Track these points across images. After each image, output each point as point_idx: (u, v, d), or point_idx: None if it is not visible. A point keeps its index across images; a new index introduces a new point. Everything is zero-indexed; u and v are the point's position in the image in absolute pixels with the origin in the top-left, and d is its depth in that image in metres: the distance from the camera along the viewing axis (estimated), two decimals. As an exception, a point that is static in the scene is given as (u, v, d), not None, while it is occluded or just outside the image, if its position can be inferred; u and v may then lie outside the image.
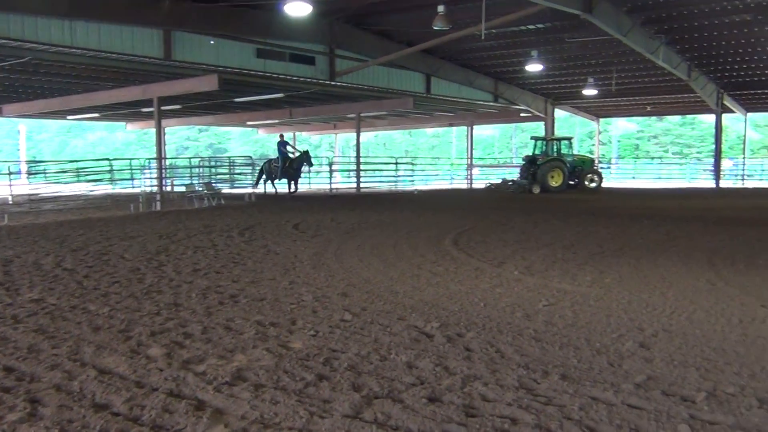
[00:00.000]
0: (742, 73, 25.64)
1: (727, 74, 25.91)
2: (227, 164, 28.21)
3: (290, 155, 22.45)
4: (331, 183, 28.21)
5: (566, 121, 43.89)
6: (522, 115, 32.52)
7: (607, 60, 23.97)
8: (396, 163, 32.91)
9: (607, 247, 9.61)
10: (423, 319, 5.28)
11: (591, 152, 37.13)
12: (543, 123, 31.99)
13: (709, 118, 31.44)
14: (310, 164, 22.74)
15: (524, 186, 25.45)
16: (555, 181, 25.17)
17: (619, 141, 51.66)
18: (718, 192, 25.95)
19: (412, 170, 33.70)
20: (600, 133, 39.92)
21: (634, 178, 36.13)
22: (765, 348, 4.49)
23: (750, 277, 7.12)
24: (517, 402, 3.51)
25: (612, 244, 9.95)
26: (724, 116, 29.72)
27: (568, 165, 25.69)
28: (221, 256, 8.81)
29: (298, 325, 5.14)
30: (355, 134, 27.56)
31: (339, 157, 41.71)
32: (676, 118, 49.62)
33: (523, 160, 26.85)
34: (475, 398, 3.57)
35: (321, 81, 20.80)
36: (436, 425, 3.22)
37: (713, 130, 29.56)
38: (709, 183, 30.17)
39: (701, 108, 29.58)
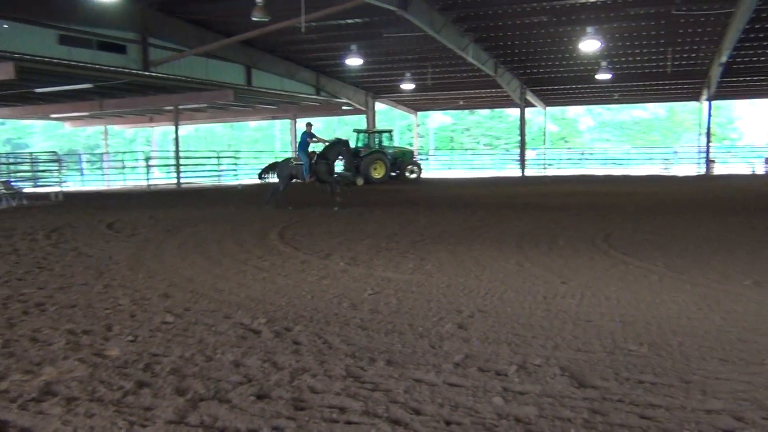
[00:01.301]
0: (542, 71, 27.96)
1: (528, 71, 28.13)
2: (29, 161, 25.79)
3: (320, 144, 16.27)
4: (148, 179, 26.83)
5: (386, 114, 45.27)
6: (344, 108, 33.04)
7: (422, 56, 25.03)
8: (218, 158, 32.03)
9: (428, 234, 10.05)
10: (250, 316, 5.19)
11: (410, 144, 38.61)
12: (365, 116, 32.73)
13: (515, 112, 33.93)
14: (350, 157, 16.90)
15: (348, 178, 25.88)
16: (378, 172, 25.88)
17: (435, 133, 54.22)
18: (523, 180, 28.12)
19: (236, 164, 32.99)
20: (418, 126, 41.64)
21: (450, 168, 38.14)
22: (566, 321, 4.94)
23: (552, 258, 7.80)
24: (345, 391, 3.56)
25: (432, 231, 10.43)
26: (527, 110, 32.31)
27: (389, 157, 26.50)
28: (24, 262, 8.05)
29: (114, 332, 4.83)
30: (173, 127, 26.39)
31: (156, 151, 39.72)
32: (486, 112, 53.10)
33: (347, 152, 27.26)
34: (304, 391, 3.57)
35: (133, 71, 19.69)
36: (265, 422, 3.18)
37: (518, 123, 32.02)
38: (516, 172, 32.63)
39: (507, 102, 31.89)
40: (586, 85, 29.25)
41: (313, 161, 15.21)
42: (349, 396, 3.50)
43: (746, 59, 23.99)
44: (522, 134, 31.67)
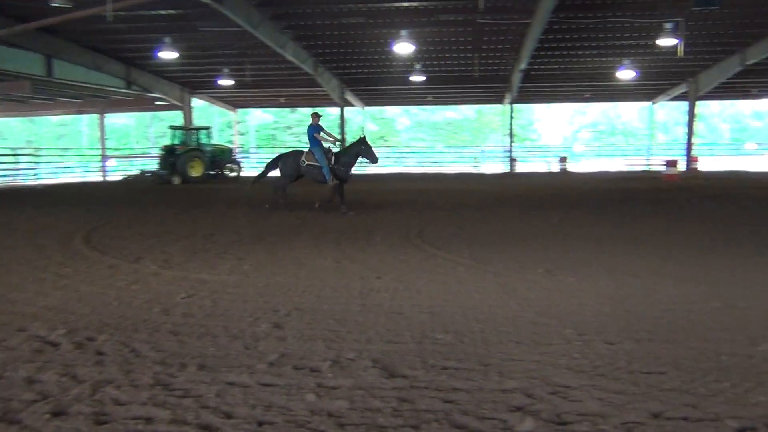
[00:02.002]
0: (360, 71, 28.58)
1: (347, 71, 28.62)
2: None
3: (334, 145, 13.70)
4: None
5: (205, 111, 43.86)
6: (158, 103, 31.53)
7: (241, 51, 24.54)
8: (15, 155, 29.13)
9: (246, 234, 9.90)
10: (47, 327, 4.79)
11: (230, 142, 37.76)
12: (181, 112, 31.48)
13: (336, 111, 34.39)
14: (373, 158, 13.28)
15: (164, 177, 24.78)
16: (195, 171, 25.04)
17: (257, 131, 53.50)
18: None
19: (36, 163, 30.21)
20: (238, 123, 40.82)
21: (272, 166, 37.75)
22: (379, 314, 5.11)
23: (369, 254, 8.02)
24: (152, 400, 3.41)
25: (251, 231, 10.28)
26: (348, 109, 32.91)
27: (207, 155, 25.73)
28: None
29: None
30: (-42, 121, 23.62)
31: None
32: (307, 110, 53.25)
33: (162, 150, 26.11)
34: (106, 404, 3.37)
35: None
36: (61, 440, 2.96)
37: (339, 122, 32.51)
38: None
39: (328, 101, 32.23)
40: (401, 87, 30.36)
41: (331, 164, 12.97)
42: (156, 405, 3.35)
43: (542, 67, 26.25)
44: (342, 133, 32.21)
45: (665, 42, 19.33)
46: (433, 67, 26.95)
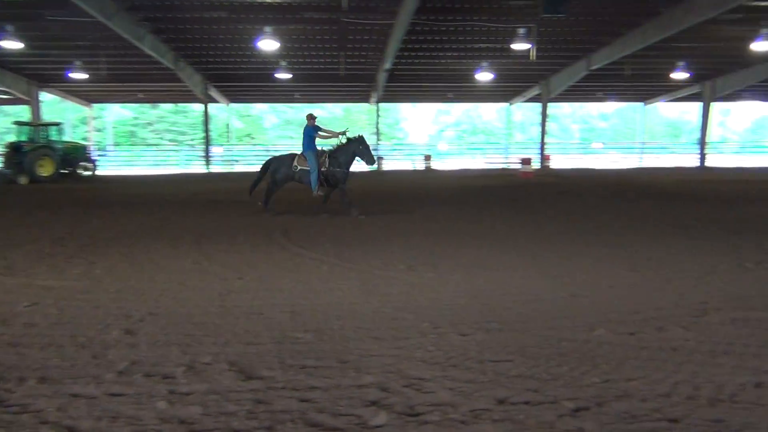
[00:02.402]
0: (224, 67, 27.90)
1: (211, 66, 27.84)
2: None
3: (338, 138, 12.63)
4: None
5: (56, 106, 41.06)
6: (1, 97, 29.12)
7: (94, 43, 23.23)
8: None
9: (100, 237, 9.38)
10: None
11: (85, 139, 35.62)
12: (28, 107, 29.30)
13: (199, 107, 33.37)
14: (370, 159, 12.48)
15: (9, 176, 22.96)
16: (45, 170, 23.40)
17: (114, 128, 50.81)
18: (208, 176, 27.85)
19: None
20: (94, 119, 38.59)
21: (131, 165, 36.08)
22: (239, 316, 5.02)
23: (231, 254, 7.86)
24: (-16, 419, 3.16)
25: (105, 233, 9.76)
26: (212, 105, 32.04)
27: (58, 153, 24.11)
28: None
29: None
30: None
31: None
32: (169, 106, 51.27)
33: (7, 147, 24.17)
34: (-71, 427, 3.07)
35: None
36: None
37: (203, 119, 31.57)
38: (201, 168, 32.15)
39: (191, 97, 31.23)
40: (267, 84, 29.99)
41: (324, 167, 12.14)
42: (-12, 424, 3.10)
43: (406, 67, 26.89)
44: (206, 130, 31.33)
45: (519, 46, 20.41)
46: (299, 64, 26.83)
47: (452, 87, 30.95)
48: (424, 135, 56.40)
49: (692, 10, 17.59)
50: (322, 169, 12.15)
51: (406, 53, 24.20)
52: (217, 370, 3.83)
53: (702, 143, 32.35)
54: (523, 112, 48.71)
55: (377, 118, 32.59)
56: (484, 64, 25.72)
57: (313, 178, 12.14)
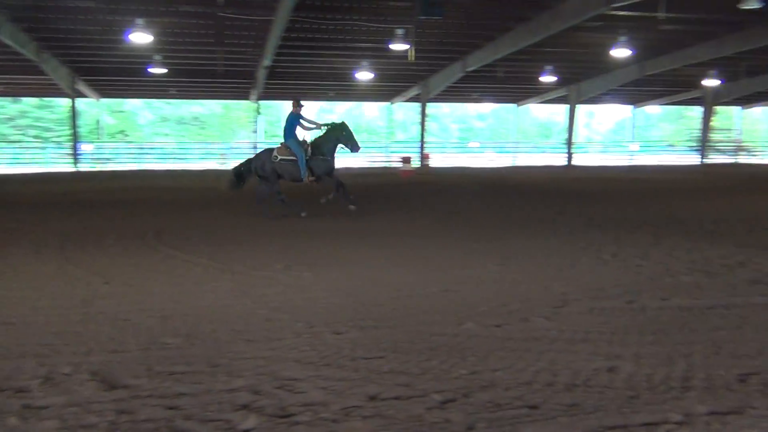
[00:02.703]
0: (93, 60, 26.40)
1: (79, 59, 26.26)
2: None
3: (320, 130, 11.90)
4: None
5: None
6: None
7: (-58, 31, 21.25)
8: None
9: (-51, 241, 8.64)
10: None
11: (-66, 135, 32.63)
12: None
13: (66, 102, 31.43)
14: (354, 146, 11.79)
15: None
16: None
17: (-30, 123, 46.89)
18: (77, 175, 26.35)
19: None
20: (-55, 113, 35.44)
21: (-10, 163, 33.43)
22: (103, 323, 4.79)
23: (98, 258, 7.48)
24: None
25: (-45, 237, 9.00)
26: (80, 100, 30.27)
27: None
28: None
29: None
30: None
31: None
32: (33, 100, 47.94)
33: None
34: None
35: None
36: None
37: (70, 114, 29.76)
38: (69, 167, 30.34)
39: (56, 91, 29.32)
40: (140, 78, 28.66)
41: (307, 156, 11.39)
42: None
43: (286, 65, 26.58)
44: (74, 126, 29.57)
45: (398, 47, 20.74)
46: (175, 59, 25.85)
47: (334, 86, 30.94)
48: (306, 134, 56.09)
49: (558, 16, 18.57)
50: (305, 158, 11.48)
51: (286, 50, 23.92)
52: (77, 381, 3.63)
53: (569, 143, 34.25)
54: (404, 111, 49.60)
55: (257, 116, 32.04)
56: (365, 63, 25.91)
57: (301, 164, 11.37)
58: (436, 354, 4.11)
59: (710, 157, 35.64)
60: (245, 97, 32.75)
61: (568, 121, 33.90)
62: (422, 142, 32.23)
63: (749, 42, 21.27)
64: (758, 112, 43.49)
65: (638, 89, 32.96)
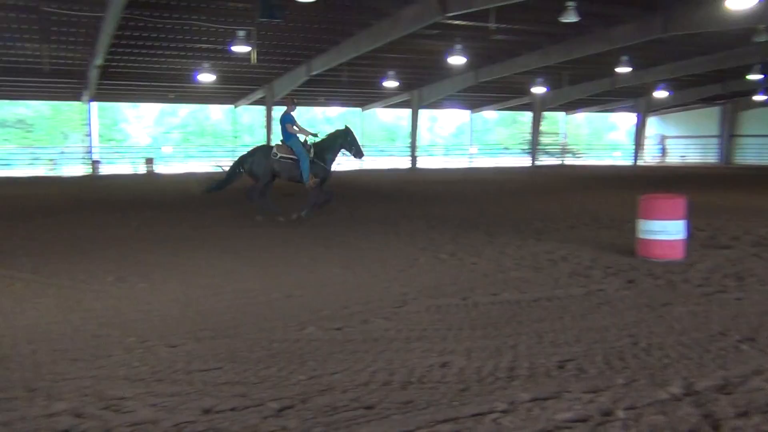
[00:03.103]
0: None
1: None
2: None
3: (310, 137, 11.26)
4: None
5: None
6: None
7: None
8: None
9: None
10: None
11: None
12: None
13: None
14: (359, 152, 11.43)
15: None
16: None
17: None
18: None
19: None
20: None
21: None
22: None
23: None
24: None
25: None
26: None
27: None
28: None
29: None
30: None
31: None
32: None
33: None
34: None
35: None
36: None
37: None
38: None
39: None
40: (-48, 76, 25.99)
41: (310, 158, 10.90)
42: None
43: (121, 65, 25.16)
44: None
45: (240, 48, 20.34)
46: (-6, 56, 23.68)
47: (174, 87, 29.76)
48: (147, 137, 53.59)
49: (397, 24, 19.13)
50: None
51: (120, 50, 22.65)
52: None
53: (413, 147, 35.41)
54: (251, 114, 48.81)
55: (89, 119, 30.08)
56: (206, 65, 25.16)
57: (305, 166, 10.86)
58: (275, 361, 4.06)
59: (540, 159, 38.31)
60: (76, 98, 30.62)
61: (411, 125, 34.99)
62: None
63: (570, 53, 23.10)
64: (581, 117, 47.44)
65: (475, 95, 34.76)
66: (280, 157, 10.94)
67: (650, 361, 3.99)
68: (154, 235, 9.86)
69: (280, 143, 11.25)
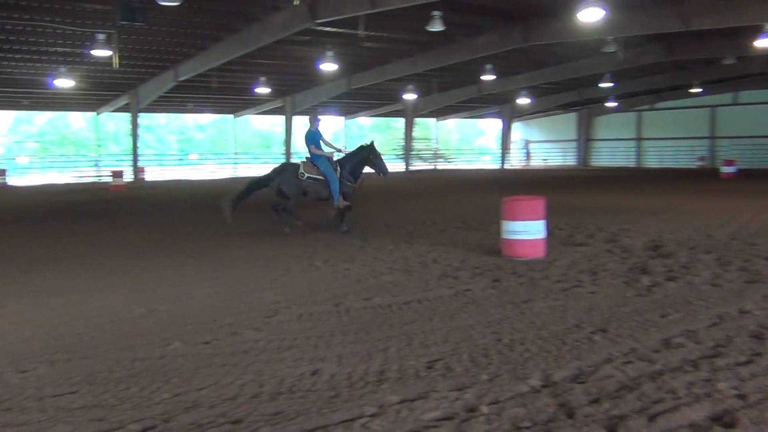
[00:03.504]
0: None
1: None
2: None
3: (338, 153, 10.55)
4: None
5: None
6: None
7: None
8: None
9: None
10: None
11: None
12: None
13: None
14: (384, 169, 10.62)
15: None
16: None
17: None
18: None
19: None
20: None
21: None
22: None
23: None
24: None
25: None
26: None
27: None
28: None
29: None
30: None
31: None
32: None
33: None
34: None
35: None
36: None
37: None
38: None
39: None
40: None
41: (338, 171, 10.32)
42: None
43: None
44: None
45: (100, 53, 19.29)
46: None
47: (28, 93, 27.78)
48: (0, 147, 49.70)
49: (267, 29, 18.85)
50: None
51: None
52: None
53: (287, 153, 35.07)
54: (116, 122, 46.53)
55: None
56: (63, 69, 23.65)
57: (335, 187, 10.21)
58: (137, 381, 3.87)
59: (413, 164, 39.19)
60: None
61: (285, 131, 34.72)
62: (135, 154, 30.50)
63: (438, 61, 23.79)
64: (451, 123, 49.01)
65: (349, 101, 35.03)
66: (308, 177, 10.26)
67: (512, 356, 4.17)
68: (3, 251, 9.13)
69: (305, 161, 10.52)
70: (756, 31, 17.83)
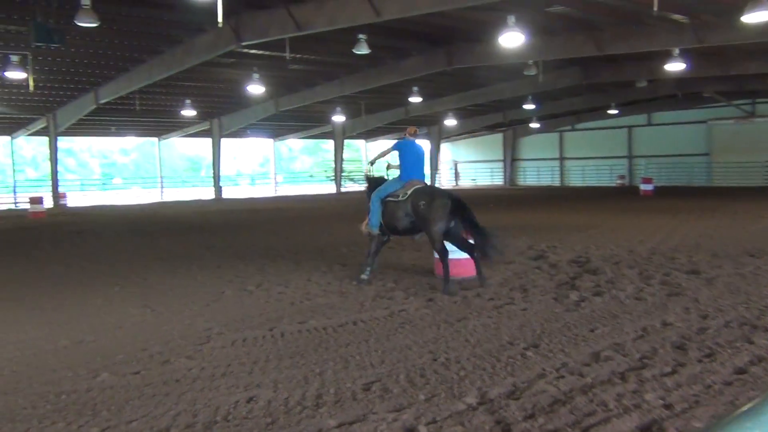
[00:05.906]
0: None
1: None
2: None
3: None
4: None
5: None
6: None
7: None
8: None
9: None
10: None
11: None
12: None
13: None
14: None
15: None
16: None
17: None
18: None
19: None
20: None
21: None
22: None
23: None
24: None
25: None
26: None
27: None
28: None
29: None
30: None
31: None
32: None
33: None
34: None
35: None
36: None
37: None
38: None
39: None
40: None
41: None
42: None
43: None
44: None
45: (14, 75, 18.55)
46: None
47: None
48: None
49: (191, 51, 18.56)
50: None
51: None
52: None
53: (216, 176, 34.48)
54: (34, 146, 44.74)
55: None
56: (-27, 92, 22.64)
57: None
58: (63, 415, 3.71)
59: (345, 185, 39.24)
60: None
61: (213, 154, 34.17)
62: (55, 179, 29.35)
63: (365, 83, 23.99)
64: (381, 144, 49.38)
65: (278, 124, 34.83)
66: (423, 204, 7.49)
67: (449, 375, 4.21)
68: None
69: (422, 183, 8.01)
70: (665, 56, 18.82)
